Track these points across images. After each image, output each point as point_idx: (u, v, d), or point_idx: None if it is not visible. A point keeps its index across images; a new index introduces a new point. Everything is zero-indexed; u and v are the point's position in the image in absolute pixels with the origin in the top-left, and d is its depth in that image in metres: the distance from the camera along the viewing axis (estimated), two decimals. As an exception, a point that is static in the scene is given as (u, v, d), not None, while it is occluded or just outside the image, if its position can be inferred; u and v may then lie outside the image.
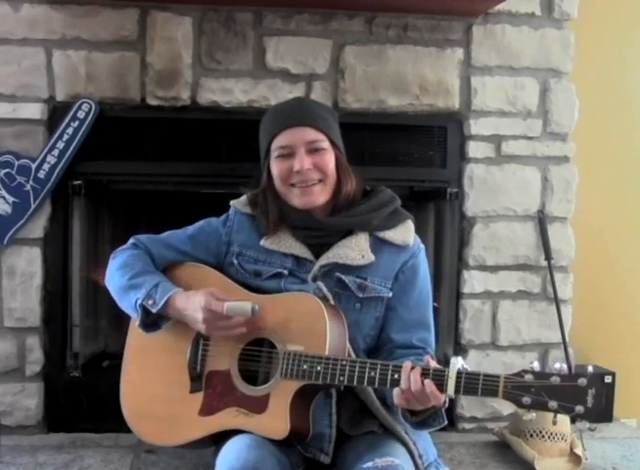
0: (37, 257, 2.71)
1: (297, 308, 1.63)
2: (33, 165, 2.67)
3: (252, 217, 1.80)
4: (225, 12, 2.75)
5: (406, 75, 2.83)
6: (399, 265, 1.75)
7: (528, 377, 1.40)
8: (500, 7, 2.83)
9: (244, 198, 1.85)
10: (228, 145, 2.80)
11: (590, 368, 1.41)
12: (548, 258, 2.92)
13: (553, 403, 1.38)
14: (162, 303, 1.66)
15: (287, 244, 1.73)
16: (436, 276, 2.83)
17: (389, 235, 1.74)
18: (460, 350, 2.94)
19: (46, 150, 2.67)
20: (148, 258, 1.81)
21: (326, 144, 1.71)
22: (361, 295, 1.70)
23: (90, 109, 2.68)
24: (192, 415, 1.69)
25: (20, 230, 2.68)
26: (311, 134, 1.68)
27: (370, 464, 1.52)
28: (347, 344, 1.64)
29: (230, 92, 2.76)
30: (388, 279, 1.74)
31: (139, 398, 1.79)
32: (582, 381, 1.37)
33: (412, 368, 1.47)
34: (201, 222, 1.87)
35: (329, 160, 1.71)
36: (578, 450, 2.55)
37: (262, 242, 1.74)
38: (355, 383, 1.53)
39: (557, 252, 2.94)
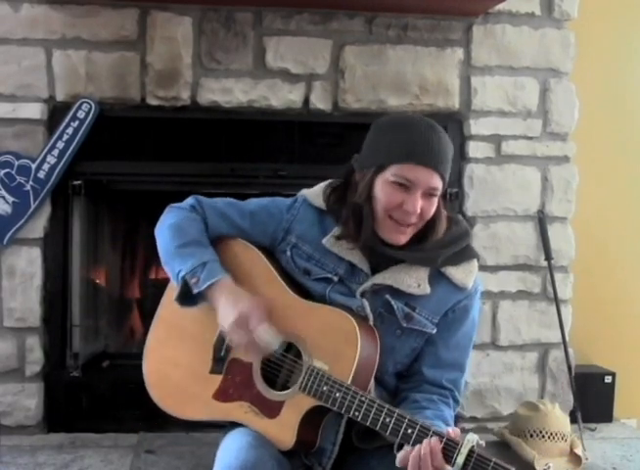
0: (37, 257, 2.71)
1: (333, 326, 1.59)
2: (33, 165, 2.66)
3: (320, 211, 1.73)
4: (225, 12, 2.75)
5: (406, 75, 2.83)
6: (452, 304, 1.69)
7: None
8: (500, 7, 2.83)
9: (319, 189, 1.75)
10: (228, 145, 2.80)
11: None
12: (548, 258, 2.92)
13: None
14: (206, 286, 1.61)
15: (348, 249, 1.67)
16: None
17: (451, 271, 1.68)
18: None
19: (46, 150, 2.67)
20: (203, 225, 1.74)
21: (439, 192, 1.64)
22: (405, 324, 1.66)
23: (90, 109, 2.68)
24: (206, 396, 1.66)
25: (20, 230, 2.68)
26: (436, 181, 1.60)
27: None
28: (375, 369, 1.60)
29: (230, 92, 2.76)
30: (437, 314, 1.68)
31: (161, 356, 1.75)
32: None
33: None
34: (266, 200, 1.79)
35: (433, 207, 1.64)
36: (578, 450, 2.55)
37: (324, 240, 1.68)
38: (368, 423, 1.50)
39: (557, 252, 2.94)
